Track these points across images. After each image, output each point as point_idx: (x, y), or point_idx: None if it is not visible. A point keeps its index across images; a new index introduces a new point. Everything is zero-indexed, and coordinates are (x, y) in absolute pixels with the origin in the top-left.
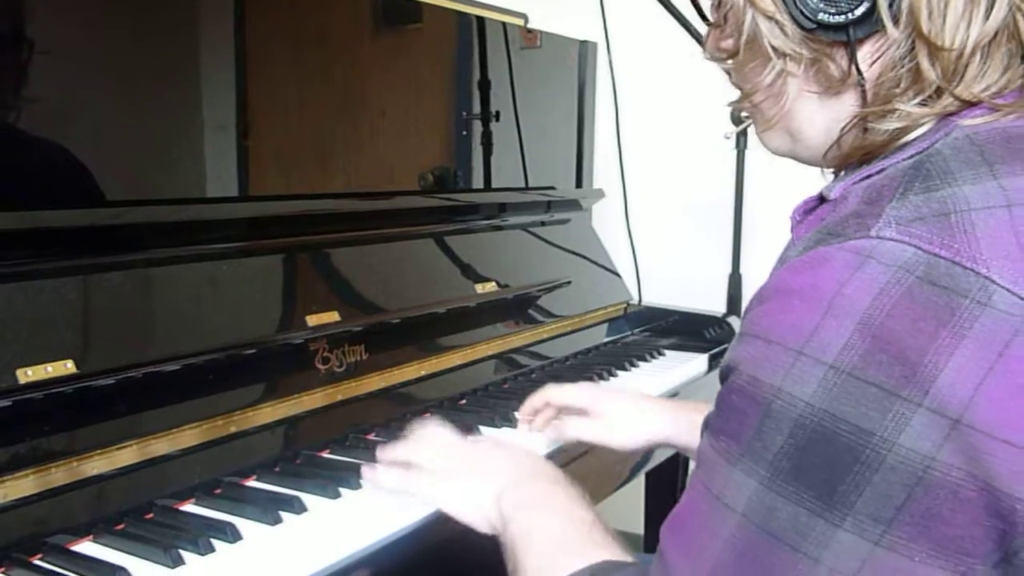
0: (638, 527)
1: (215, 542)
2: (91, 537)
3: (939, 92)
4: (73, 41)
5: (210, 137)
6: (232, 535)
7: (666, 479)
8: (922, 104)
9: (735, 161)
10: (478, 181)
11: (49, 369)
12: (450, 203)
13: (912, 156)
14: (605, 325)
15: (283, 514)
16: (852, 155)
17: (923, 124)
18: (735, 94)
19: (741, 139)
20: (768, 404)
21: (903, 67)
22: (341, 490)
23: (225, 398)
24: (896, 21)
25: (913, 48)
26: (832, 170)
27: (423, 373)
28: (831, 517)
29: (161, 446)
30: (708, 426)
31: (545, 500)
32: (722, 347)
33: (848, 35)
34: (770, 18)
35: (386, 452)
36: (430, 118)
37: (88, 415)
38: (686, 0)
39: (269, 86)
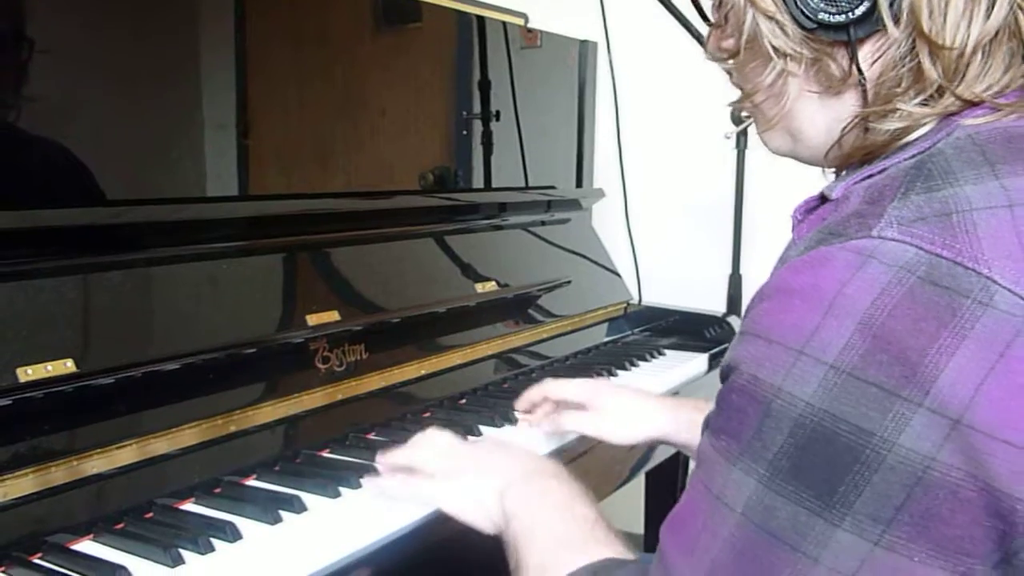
0: (638, 527)
1: (215, 541)
2: (91, 536)
3: (940, 92)
4: (73, 41)
5: (210, 136)
6: (232, 534)
7: (666, 479)
8: (923, 104)
9: (735, 161)
10: (478, 181)
11: (49, 368)
12: (450, 203)
13: (914, 156)
14: (605, 325)
15: (283, 513)
16: (853, 155)
17: (924, 124)
18: (735, 94)
19: (741, 139)
20: (768, 403)
21: (904, 66)
22: (341, 489)
23: (225, 397)
24: (897, 20)
25: (914, 47)
26: (833, 170)
27: (423, 372)
28: (830, 517)
29: (161, 445)
30: (708, 425)
31: (547, 497)
32: (722, 347)
33: (849, 35)
34: (771, 18)
35: (386, 458)
36: (430, 117)
37: (88, 414)
38: (686, 0)
39: (269, 85)
